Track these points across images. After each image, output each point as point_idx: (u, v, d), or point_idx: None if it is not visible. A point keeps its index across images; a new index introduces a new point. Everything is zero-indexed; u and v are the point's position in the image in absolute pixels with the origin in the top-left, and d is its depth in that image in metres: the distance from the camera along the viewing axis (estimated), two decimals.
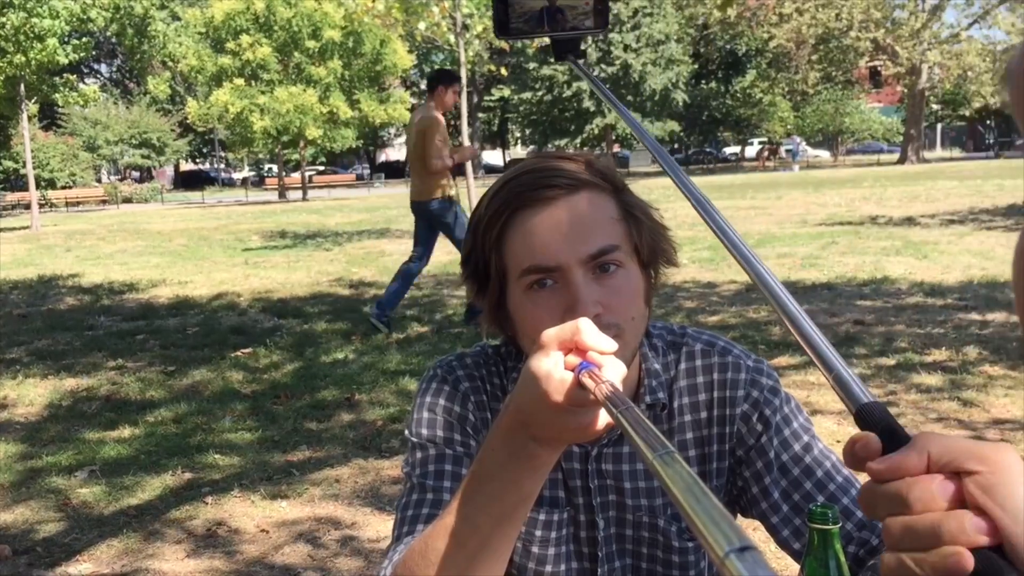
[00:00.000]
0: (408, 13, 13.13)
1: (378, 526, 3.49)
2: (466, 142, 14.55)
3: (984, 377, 4.97)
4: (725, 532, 0.43)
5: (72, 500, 3.89)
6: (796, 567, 1.17)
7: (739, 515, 1.24)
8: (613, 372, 0.77)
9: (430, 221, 7.18)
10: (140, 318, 8.32)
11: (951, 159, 47.82)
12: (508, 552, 0.94)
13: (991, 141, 58.17)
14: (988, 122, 58.31)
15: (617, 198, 1.11)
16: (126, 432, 4.81)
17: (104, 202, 39.49)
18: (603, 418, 0.80)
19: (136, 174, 53.55)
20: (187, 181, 59.36)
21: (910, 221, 13.96)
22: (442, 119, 6.99)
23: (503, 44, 14.09)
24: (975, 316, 6.59)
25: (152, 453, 4.46)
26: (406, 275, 7.30)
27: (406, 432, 1.22)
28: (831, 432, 4.20)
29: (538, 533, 1.20)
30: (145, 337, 7.37)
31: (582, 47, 1.12)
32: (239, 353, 6.54)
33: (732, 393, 1.21)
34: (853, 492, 1.16)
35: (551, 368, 0.80)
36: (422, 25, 12.64)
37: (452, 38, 13.03)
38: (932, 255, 9.90)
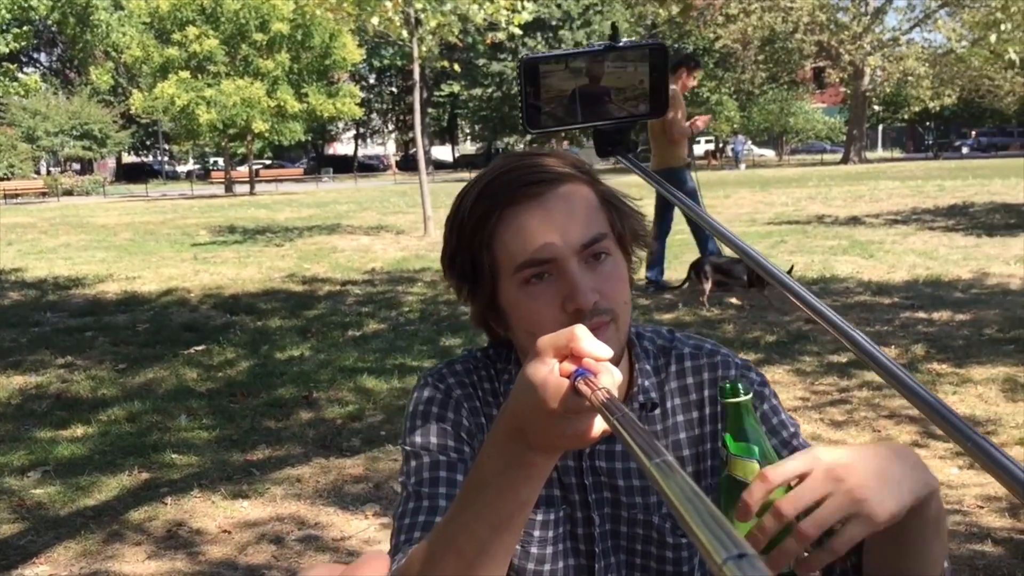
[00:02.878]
0: (361, 7, 13.05)
1: (342, 525, 3.47)
2: (418, 138, 14.54)
3: (932, 375, 5.10)
4: (722, 539, 0.43)
5: (26, 501, 3.80)
6: None
7: None
8: (609, 379, 0.77)
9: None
10: (88, 314, 8.15)
11: (892, 159, 48.86)
12: (508, 558, 0.95)
13: (930, 142, 59.52)
14: (927, 124, 59.68)
15: (595, 188, 1.13)
16: (79, 431, 4.72)
17: (44, 194, 38.58)
18: (599, 425, 0.80)
19: (77, 166, 52.44)
20: (130, 174, 58.25)
21: (855, 220, 14.25)
22: (680, 95, 7.85)
23: (456, 40, 14.07)
24: (921, 315, 6.75)
25: (107, 452, 4.38)
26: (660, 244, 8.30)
27: (400, 442, 1.23)
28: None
29: (536, 533, 1.22)
30: (94, 334, 7.23)
31: (631, 136, 0.94)
32: (192, 350, 6.45)
33: None
34: None
35: (547, 375, 0.80)
36: (375, 20, 12.57)
37: (405, 33, 12.99)
38: (878, 254, 10.12)
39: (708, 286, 7.39)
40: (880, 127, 62.40)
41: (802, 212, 16.28)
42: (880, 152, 60.23)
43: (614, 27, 0.97)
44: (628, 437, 0.60)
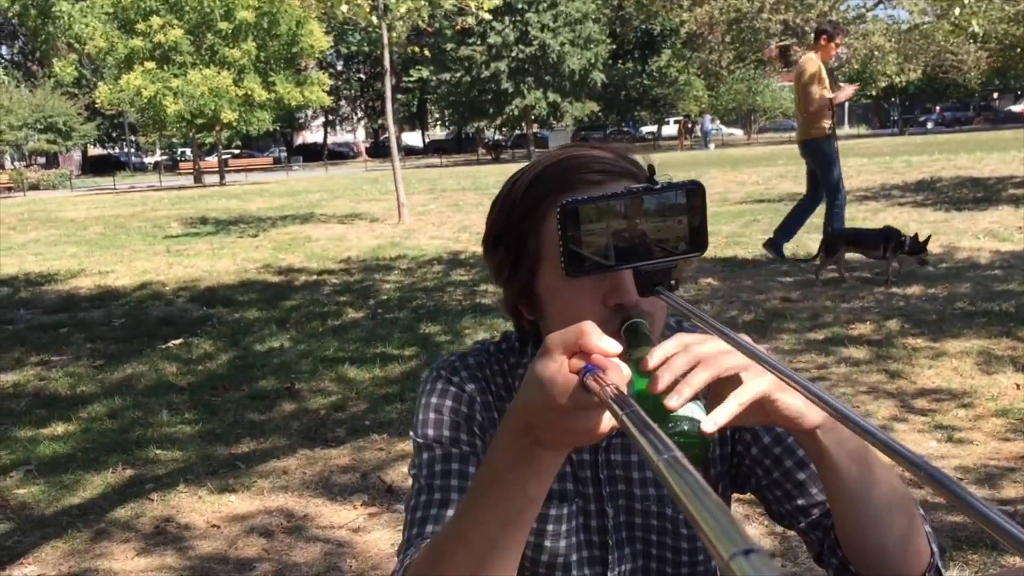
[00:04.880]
0: None
1: (331, 516, 3.48)
2: (390, 124, 14.46)
3: (908, 349, 5.17)
4: (730, 534, 0.43)
5: (10, 501, 3.78)
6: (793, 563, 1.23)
7: (744, 492, 1.29)
8: (617, 375, 0.77)
9: (814, 157, 8.19)
10: (62, 310, 8.07)
11: (859, 136, 49.27)
12: (518, 553, 0.95)
13: (895, 118, 60.02)
14: (893, 100, 60.11)
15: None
16: (59, 429, 4.69)
17: (9, 189, 38.04)
18: (607, 420, 0.80)
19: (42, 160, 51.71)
20: (96, 166, 57.52)
21: None
22: (818, 64, 7.93)
23: (424, 25, 14.01)
24: (895, 290, 6.83)
25: (90, 450, 4.35)
26: (801, 213, 8.66)
27: (411, 434, 1.23)
28: None
29: (549, 527, 1.23)
30: (69, 330, 7.17)
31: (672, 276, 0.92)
32: (170, 344, 6.41)
33: None
34: None
35: (555, 372, 0.80)
36: (344, 6, 12.48)
37: (375, 19, 12.91)
38: None
39: (824, 260, 7.45)
40: (846, 104, 62.80)
41: (773, 191, 16.37)
42: (847, 129, 60.63)
43: (651, 168, 0.97)
44: (636, 433, 0.61)
